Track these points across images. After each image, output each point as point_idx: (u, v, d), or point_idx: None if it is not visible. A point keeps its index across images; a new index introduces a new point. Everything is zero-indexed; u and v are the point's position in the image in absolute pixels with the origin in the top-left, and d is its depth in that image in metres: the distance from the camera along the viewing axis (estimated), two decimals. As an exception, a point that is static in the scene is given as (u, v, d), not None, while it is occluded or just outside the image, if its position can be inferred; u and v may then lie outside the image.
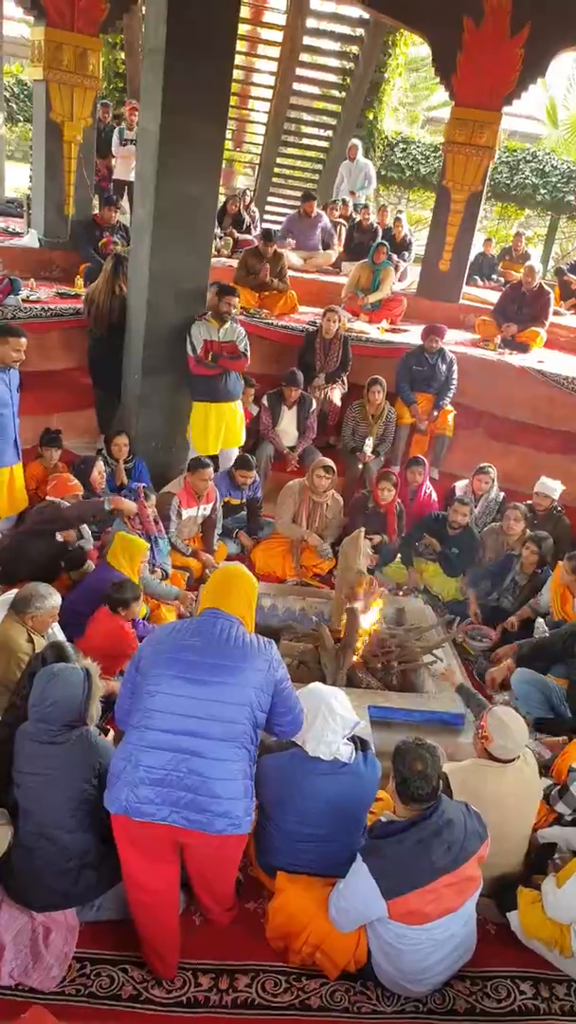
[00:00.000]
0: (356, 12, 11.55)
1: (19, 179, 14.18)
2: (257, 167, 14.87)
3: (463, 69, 8.35)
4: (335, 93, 13.94)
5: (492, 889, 3.25)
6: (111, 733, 3.62)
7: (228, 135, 14.22)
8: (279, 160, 14.58)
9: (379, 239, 9.59)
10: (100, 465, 5.49)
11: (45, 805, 2.92)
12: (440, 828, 2.72)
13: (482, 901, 3.23)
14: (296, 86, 13.55)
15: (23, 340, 5.01)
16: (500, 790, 3.20)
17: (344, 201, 11.12)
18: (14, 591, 4.02)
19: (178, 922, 2.91)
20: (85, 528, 5.13)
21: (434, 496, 6.64)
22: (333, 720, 3.00)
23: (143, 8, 6.95)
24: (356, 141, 12.07)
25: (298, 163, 14.83)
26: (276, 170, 14.66)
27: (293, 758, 3.03)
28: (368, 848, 2.76)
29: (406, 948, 2.74)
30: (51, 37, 7.45)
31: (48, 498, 4.91)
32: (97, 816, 2.95)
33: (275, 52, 13.16)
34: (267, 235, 8.11)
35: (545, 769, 3.92)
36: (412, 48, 13.62)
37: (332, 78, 13.95)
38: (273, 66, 13.34)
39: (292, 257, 9.39)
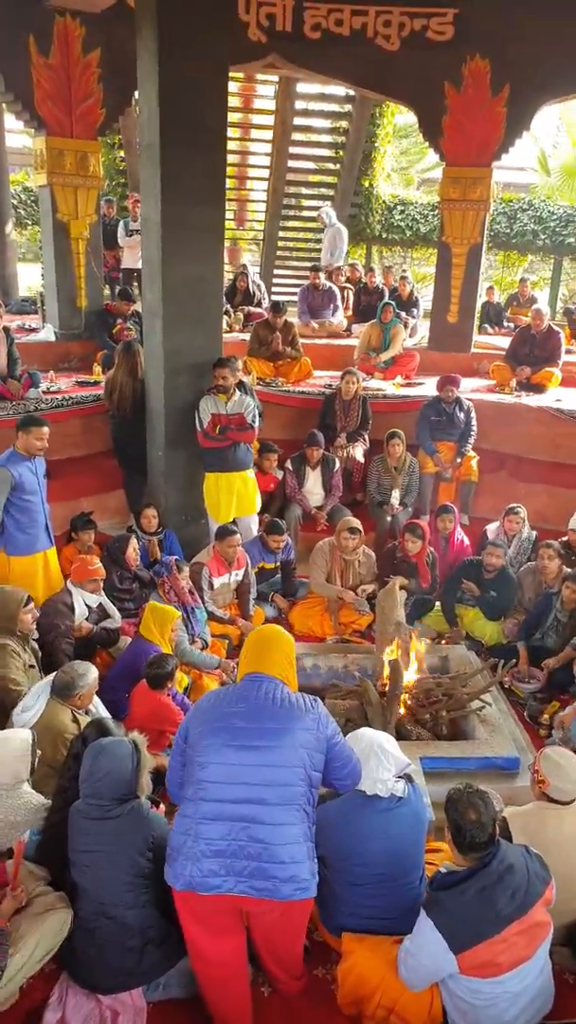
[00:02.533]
0: (342, 90, 12.06)
1: (31, 278, 14.76)
2: (261, 243, 15.41)
3: (449, 131, 8.67)
4: (330, 166, 14.50)
5: (566, 937, 3.14)
6: (162, 806, 3.59)
7: (230, 215, 14.80)
8: (281, 234, 15.09)
9: (385, 299, 9.83)
10: (134, 543, 5.57)
11: (102, 882, 2.91)
12: (502, 874, 2.65)
13: (557, 950, 3.13)
14: (291, 163, 14.11)
15: (45, 429, 5.18)
16: (562, 832, 3.12)
17: (352, 265, 11.42)
18: (52, 675, 4.06)
19: (249, 995, 2.85)
20: (112, 608, 5.17)
21: (467, 542, 6.62)
22: (387, 759, 3.01)
23: (137, 109, 7.35)
24: (323, 208, 12.50)
25: (300, 235, 15.33)
26: (280, 243, 15.17)
27: (352, 801, 3.01)
28: (430, 902, 2.69)
29: (481, 1004, 2.64)
30: (52, 145, 7.90)
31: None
32: (156, 890, 2.93)
33: (268, 135, 13.76)
34: (276, 307, 8.35)
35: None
36: (400, 117, 14.16)
37: (325, 152, 14.53)
38: (267, 147, 13.93)
39: (314, 324, 9.84)
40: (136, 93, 6.99)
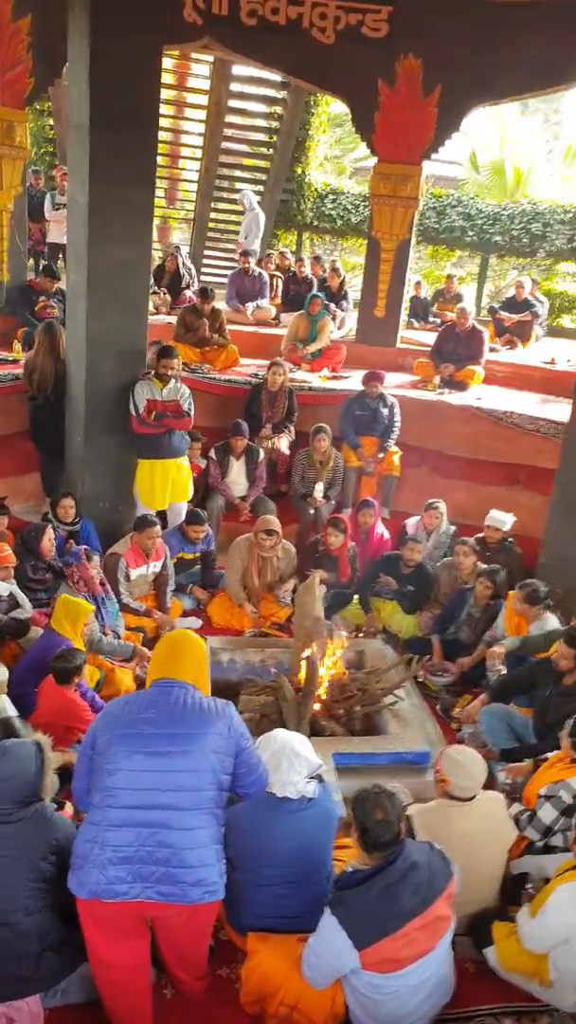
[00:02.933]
0: (278, 76, 11.96)
1: None
2: (192, 222, 15.20)
3: (381, 128, 8.68)
4: (263, 150, 14.38)
5: (468, 926, 3.25)
6: (68, 806, 3.53)
7: (160, 193, 14.54)
8: (213, 215, 14.92)
9: (314, 290, 9.84)
10: (49, 533, 5.44)
11: (1, 888, 2.83)
12: (406, 872, 2.71)
13: (459, 940, 3.22)
14: (225, 144, 13.93)
15: None
16: (465, 828, 3.21)
17: (282, 253, 11.37)
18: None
19: (151, 1000, 2.84)
20: (22, 597, 5.05)
21: (387, 536, 6.71)
22: (298, 762, 3.04)
23: (67, 79, 7.12)
24: (243, 192, 12.45)
25: (232, 217, 15.17)
26: (211, 224, 14.99)
27: (263, 802, 3.02)
28: (335, 900, 2.73)
29: (382, 998, 2.70)
30: (-24, 112, 7.59)
31: None
32: (56, 895, 2.87)
33: (201, 115, 13.55)
34: (204, 293, 8.25)
35: (517, 796, 3.95)
36: (334, 105, 14.11)
37: (259, 136, 14.40)
38: (201, 127, 13.71)
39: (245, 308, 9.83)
40: (66, 70, 6.76)
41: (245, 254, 10.18)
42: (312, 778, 3.08)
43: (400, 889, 2.68)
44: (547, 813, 3.45)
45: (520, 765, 4.10)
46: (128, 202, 5.86)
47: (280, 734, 3.16)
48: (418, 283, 11.86)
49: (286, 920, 3.01)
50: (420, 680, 5.31)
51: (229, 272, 11.15)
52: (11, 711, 4.06)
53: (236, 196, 13.54)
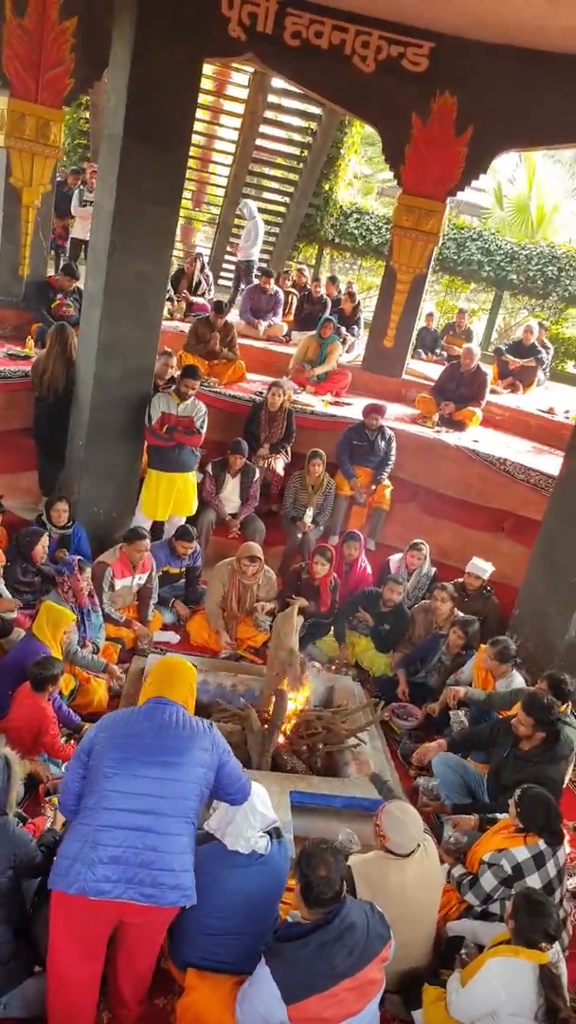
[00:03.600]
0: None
1: None
2: (216, 226, 15.28)
3: (411, 160, 8.79)
4: (293, 164, 14.48)
5: (399, 984, 3.34)
6: (37, 821, 3.63)
7: (187, 195, 14.61)
8: (237, 222, 15.01)
9: (328, 311, 9.94)
10: (44, 540, 5.53)
11: (-41, 899, 2.94)
12: (342, 932, 2.78)
13: (389, 997, 3.32)
14: (256, 154, 14.05)
15: None
16: (402, 882, 3.29)
17: (300, 270, 11.47)
18: None
19: (93, 1021, 2.94)
20: (7, 595, 5.15)
21: (369, 570, 6.82)
22: (253, 817, 3.15)
23: (107, 78, 7.17)
24: (245, 202, 12.77)
25: (255, 226, 15.26)
26: (234, 231, 15.08)
27: (212, 851, 3.12)
28: (271, 951, 2.82)
29: (308, 1051, 2.80)
30: (14, 107, 7.65)
31: None
32: (10, 909, 2.98)
33: (236, 122, 13.64)
34: (218, 307, 8.35)
35: (461, 856, 4.04)
36: (368, 127, 14.24)
37: (290, 149, 14.50)
38: (234, 135, 13.83)
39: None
40: (106, 72, 6.82)
41: (267, 274, 10.27)
42: (267, 833, 3.17)
43: (335, 949, 2.76)
44: (488, 881, 3.55)
45: (467, 817, 4.20)
46: (152, 218, 5.96)
47: None
48: (430, 315, 11.99)
49: (226, 964, 3.09)
50: (386, 720, 5.43)
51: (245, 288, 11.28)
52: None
53: (272, 207, 13.67)
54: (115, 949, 2.95)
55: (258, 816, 3.12)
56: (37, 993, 2.98)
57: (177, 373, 6.96)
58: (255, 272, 10.78)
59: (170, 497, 6.51)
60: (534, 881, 3.50)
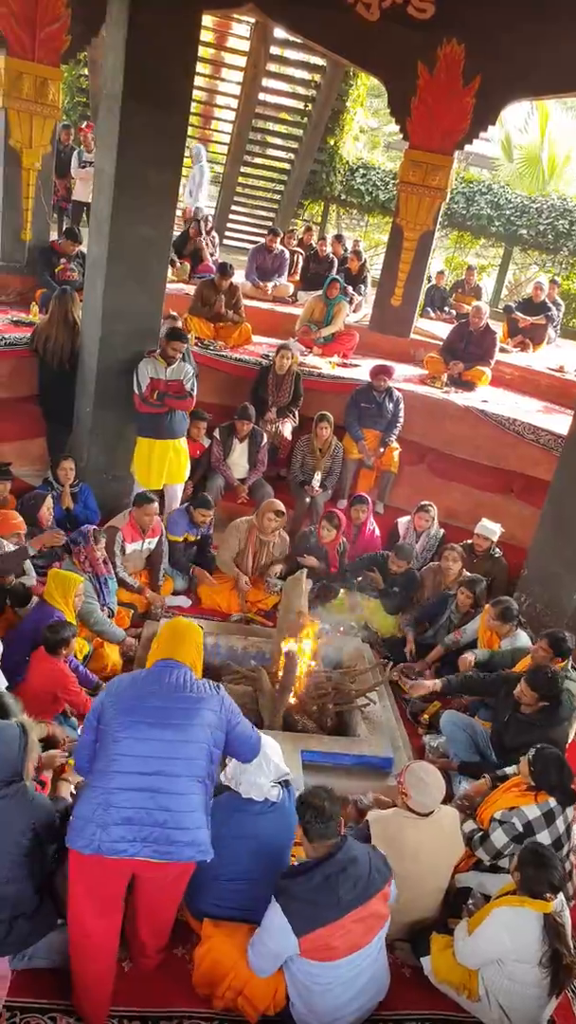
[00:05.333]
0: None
1: None
2: (219, 185, 15.06)
3: (417, 113, 8.61)
4: (297, 118, 14.20)
5: (409, 934, 3.45)
6: (47, 786, 3.72)
7: (189, 153, 14.37)
8: (241, 179, 14.79)
9: (334, 271, 9.83)
10: (48, 502, 5.58)
11: (-18, 857, 3.04)
12: (345, 865, 2.94)
13: (399, 945, 3.45)
14: (259, 109, 13.78)
15: None
16: (418, 840, 3.39)
17: (308, 228, 11.31)
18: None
19: (115, 968, 3.06)
20: (28, 565, 5.20)
21: (377, 533, 6.85)
22: (267, 766, 3.25)
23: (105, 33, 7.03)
24: (195, 145, 12.51)
25: (260, 183, 15.05)
26: (238, 188, 14.88)
27: (228, 801, 3.23)
28: (280, 888, 2.96)
29: (319, 988, 2.93)
30: (11, 66, 7.51)
31: None
32: (31, 867, 3.08)
33: (238, 76, 13.36)
34: (223, 269, 8.26)
35: (472, 812, 4.13)
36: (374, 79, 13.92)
37: (294, 103, 14.21)
38: (236, 89, 13.54)
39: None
40: (104, 28, 6.69)
41: (273, 232, 10.13)
42: (278, 784, 3.26)
43: (339, 881, 2.91)
44: (499, 838, 3.64)
45: (479, 783, 4.27)
46: (155, 180, 5.86)
47: None
48: (440, 272, 11.84)
49: (240, 911, 3.22)
50: (394, 681, 5.50)
51: (252, 236, 11.09)
52: (2, 682, 4.23)
53: (277, 164, 13.35)
54: (135, 903, 3.05)
55: (272, 766, 3.23)
56: (60, 945, 3.10)
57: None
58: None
59: (163, 464, 6.45)
60: (544, 838, 3.57)
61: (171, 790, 2.86)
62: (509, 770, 4.18)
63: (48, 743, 4.20)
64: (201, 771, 2.95)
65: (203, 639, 3.31)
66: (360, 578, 6.36)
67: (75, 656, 4.71)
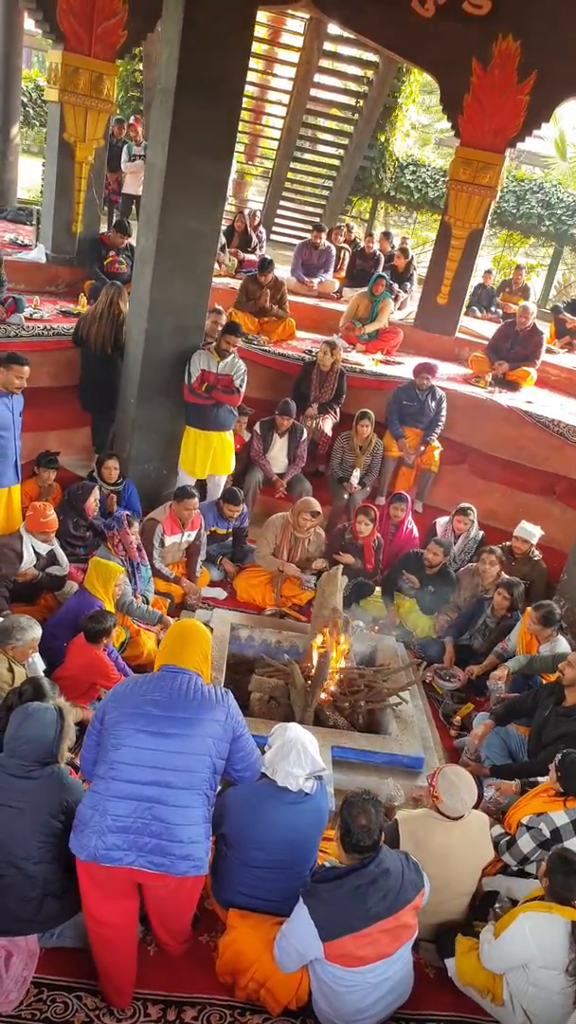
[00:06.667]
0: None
1: (32, 174, 14.00)
2: (268, 180, 15.08)
3: (469, 110, 8.53)
4: (348, 114, 14.15)
5: (434, 935, 3.44)
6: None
7: (240, 148, 14.42)
8: (290, 175, 14.79)
9: (380, 268, 9.78)
10: (96, 494, 5.64)
11: (14, 835, 3.09)
12: (376, 877, 2.91)
13: (424, 945, 3.44)
14: (310, 105, 13.75)
15: (26, 368, 5.16)
16: (447, 844, 3.37)
17: (349, 227, 11.28)
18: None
19: (135, 955, 3.09)
20: (62, 555, 5.27)
21: (415, 532, 6.81)
22: (305, 758, 3.21)
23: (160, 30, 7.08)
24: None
25: (308, 179, 15.03)
26: (287, 184, 14.87)
27: (262, 788, 3.22)
28: (309, 891, 2.95)
29: (342, 990, 2.93)
30: (68, 61, 7.63)
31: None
32: (62, 848, 3.12)
33: (290, 72, 13.36)
34: (263, 264, 8.28)
35: (500, 816, 4.10)
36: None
37: (346, 99, 14.16)
38: (288, 85, 13.55)
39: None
40: (159, 23, 6.74)
41: (318, 228, 10.13)
42: (313, 776, 3.26)
43: (369, 892, 2.89)
44: (526, 843, 3.60)
45: (508, 783, 4.24)
46: (205, 174, 5.90)
47: (295, 728, 3.33)
48: (488, 271, 11.72)
49: (267, 902, 3.23)
50: (427, 681, 5.48)
51: (299, 232, 11.07)
52: (40, 665, 4.31)
53: (327, 160, 13.23)
54: (147, 904, 3.06)
55: (308, 758, 3.19)
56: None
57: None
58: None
59: (208, 455, 6.54)
60: (572, 845, 3.52)
61: (169, 802, 2.83)
62: (540, 780, 4.14)
63: (83, 727, 4.28)
64: (203, 784, 2.90)
65: (211, 646, 3.23)
66: (398, 588, 6.33)
67: (112, 644, 4.78)
